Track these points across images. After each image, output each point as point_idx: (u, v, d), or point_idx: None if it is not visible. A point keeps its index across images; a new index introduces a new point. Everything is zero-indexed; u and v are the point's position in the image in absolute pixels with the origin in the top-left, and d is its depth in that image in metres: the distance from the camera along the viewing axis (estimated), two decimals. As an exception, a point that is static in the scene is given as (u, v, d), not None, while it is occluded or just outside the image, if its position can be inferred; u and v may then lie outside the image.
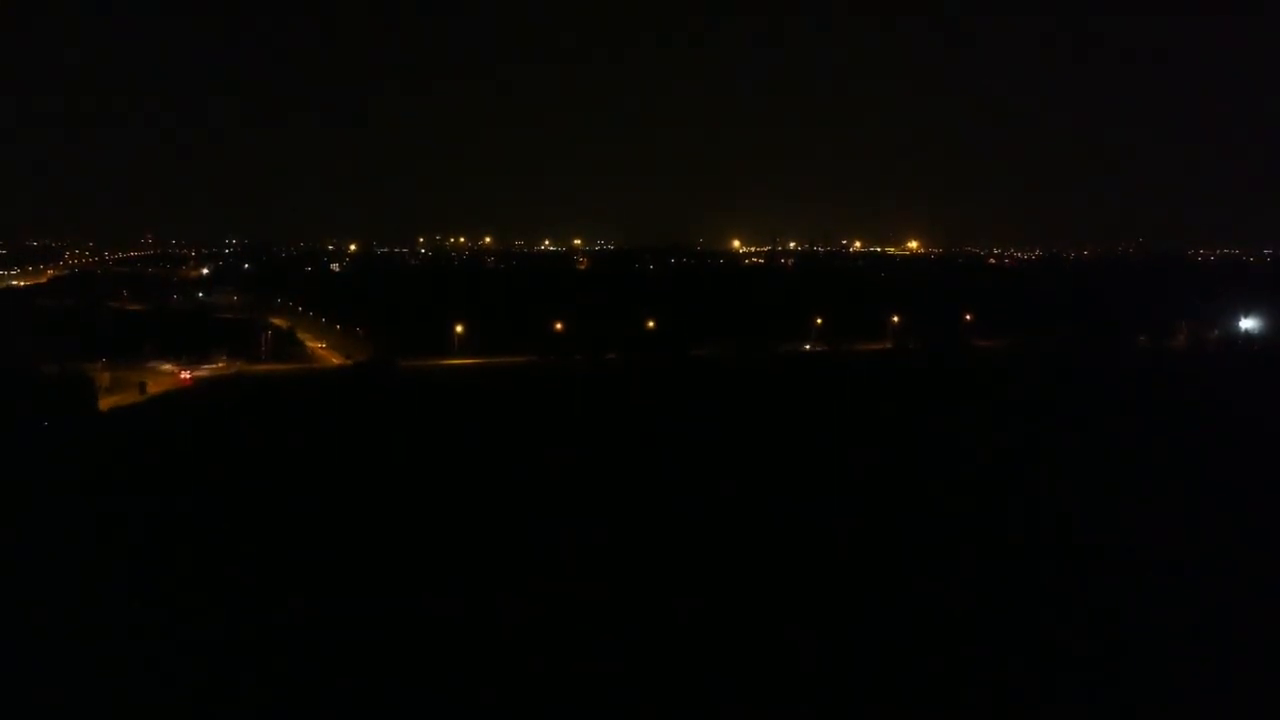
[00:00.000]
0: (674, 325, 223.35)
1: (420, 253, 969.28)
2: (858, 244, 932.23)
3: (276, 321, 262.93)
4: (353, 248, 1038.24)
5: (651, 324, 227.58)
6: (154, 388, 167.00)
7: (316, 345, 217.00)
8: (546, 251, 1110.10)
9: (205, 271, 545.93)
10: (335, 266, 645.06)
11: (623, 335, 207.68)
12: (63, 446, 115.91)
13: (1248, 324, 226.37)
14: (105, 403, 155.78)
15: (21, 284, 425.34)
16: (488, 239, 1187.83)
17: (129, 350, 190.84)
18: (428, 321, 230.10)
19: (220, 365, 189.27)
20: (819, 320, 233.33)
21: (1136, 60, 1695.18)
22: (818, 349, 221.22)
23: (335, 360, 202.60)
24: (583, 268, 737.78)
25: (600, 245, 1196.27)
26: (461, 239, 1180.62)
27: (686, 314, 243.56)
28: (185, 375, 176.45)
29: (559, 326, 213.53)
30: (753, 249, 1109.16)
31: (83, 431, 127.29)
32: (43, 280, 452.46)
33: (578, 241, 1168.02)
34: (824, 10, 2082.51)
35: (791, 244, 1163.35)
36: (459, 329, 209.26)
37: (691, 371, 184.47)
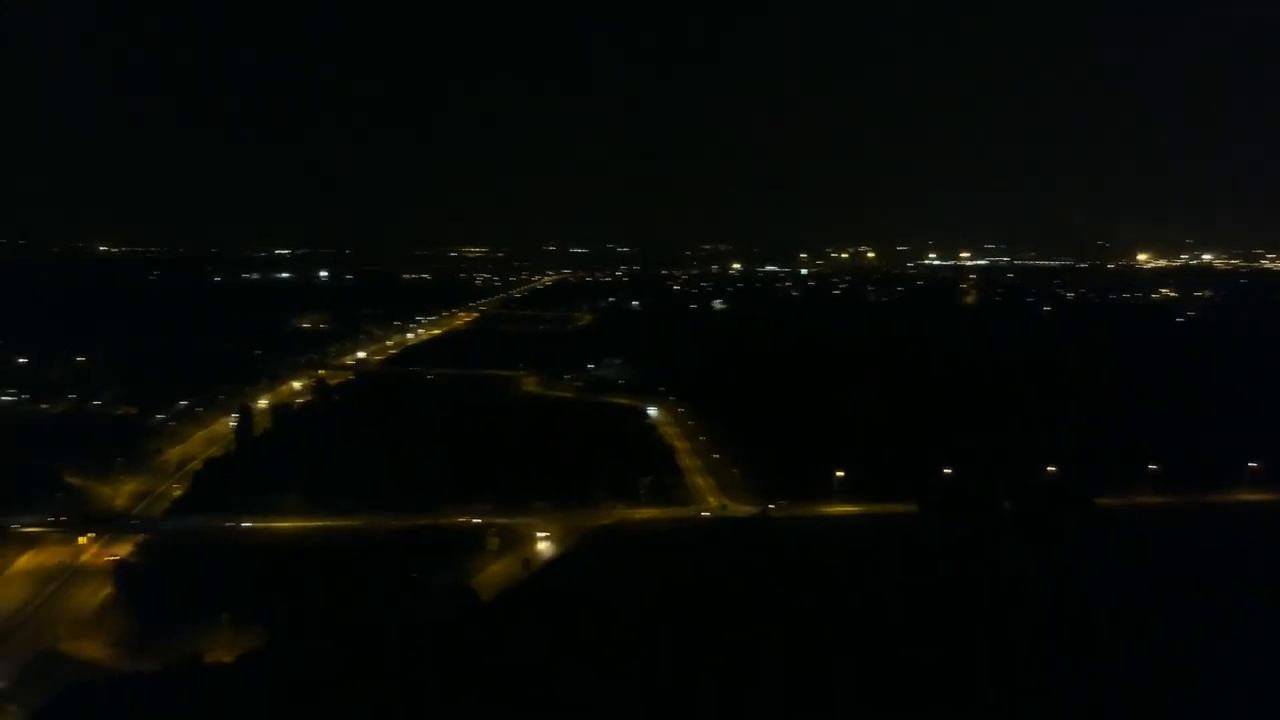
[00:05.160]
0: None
1: (801, 274, 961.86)
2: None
3: (659, 421, 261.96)
4: (736, 266, 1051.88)
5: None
6: (534, 549, 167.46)
7: (696, 479, 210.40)
8: (932, 266, 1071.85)
9: (588, 319, 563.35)
10: (719, 304, 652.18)
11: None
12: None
13: None
14: (487, 575, 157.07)
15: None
16: (870, 254, 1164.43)
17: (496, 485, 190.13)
18: (813, 435, 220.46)
19: (600, 511, 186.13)
20: None
21: None
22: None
23: (713, 501, 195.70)
24: (970, 300, 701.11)
25: (991, 257, 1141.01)
26: (844, 254, 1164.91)
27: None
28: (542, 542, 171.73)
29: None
30: (1162, 262, 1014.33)
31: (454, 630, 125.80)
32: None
33: (965, 254, 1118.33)
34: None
35: (1206, 256, 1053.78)
36: (839, 473, 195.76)
37: None
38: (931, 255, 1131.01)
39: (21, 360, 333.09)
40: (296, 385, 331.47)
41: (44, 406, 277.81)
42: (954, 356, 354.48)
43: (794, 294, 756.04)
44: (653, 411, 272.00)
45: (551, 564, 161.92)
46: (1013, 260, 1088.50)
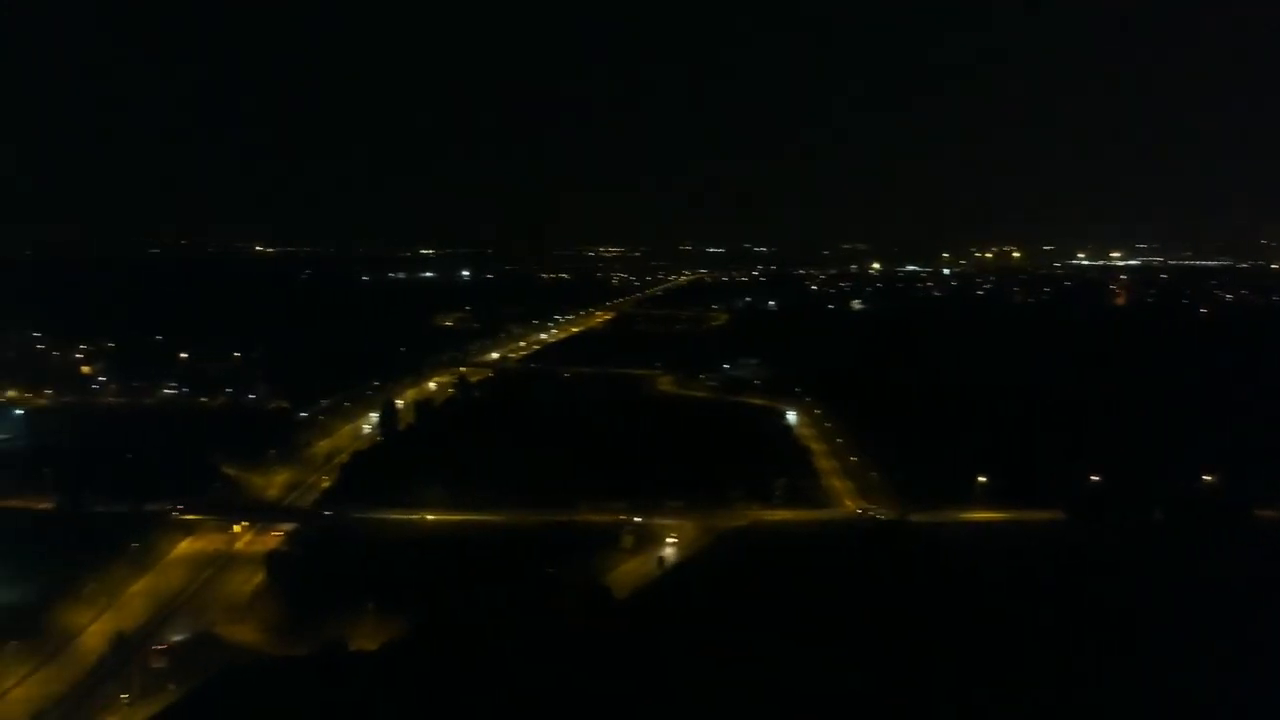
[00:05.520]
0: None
1: (943, 274, 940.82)
2: None
3: (795, 423, 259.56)
4: (875, 266, 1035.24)
5: None
6: (668, 548, 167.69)
7: (834, 482, 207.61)
8: (1080, 266, 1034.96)
9: (724, 319, 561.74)
10: (857, 304, 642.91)
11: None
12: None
13: None
14: (621, 573, 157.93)
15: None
16: (1015, 253, 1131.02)
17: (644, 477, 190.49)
18: (954, 439, 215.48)
19: (735, 512, 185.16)
20: None
21: None
22: None
23: (851, 505, 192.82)
24: (1120, 302, 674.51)
25: (1143, 257, 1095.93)
26: (988, 253, 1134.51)
27: None
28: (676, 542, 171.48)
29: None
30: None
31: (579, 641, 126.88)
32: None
33: (1115, 254, 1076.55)
34: None
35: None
36: (981, 478, 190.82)
37: None
38: (1080, 255, 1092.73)
39: (182, 355, 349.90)
40: (439, 382, 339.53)
41: (202, 400, 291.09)
42: (1103, 359, 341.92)
43: (936, 294, 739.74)
44: (789, 413, 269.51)
45: (685, 563, 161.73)
46: (1166, 260, 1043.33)
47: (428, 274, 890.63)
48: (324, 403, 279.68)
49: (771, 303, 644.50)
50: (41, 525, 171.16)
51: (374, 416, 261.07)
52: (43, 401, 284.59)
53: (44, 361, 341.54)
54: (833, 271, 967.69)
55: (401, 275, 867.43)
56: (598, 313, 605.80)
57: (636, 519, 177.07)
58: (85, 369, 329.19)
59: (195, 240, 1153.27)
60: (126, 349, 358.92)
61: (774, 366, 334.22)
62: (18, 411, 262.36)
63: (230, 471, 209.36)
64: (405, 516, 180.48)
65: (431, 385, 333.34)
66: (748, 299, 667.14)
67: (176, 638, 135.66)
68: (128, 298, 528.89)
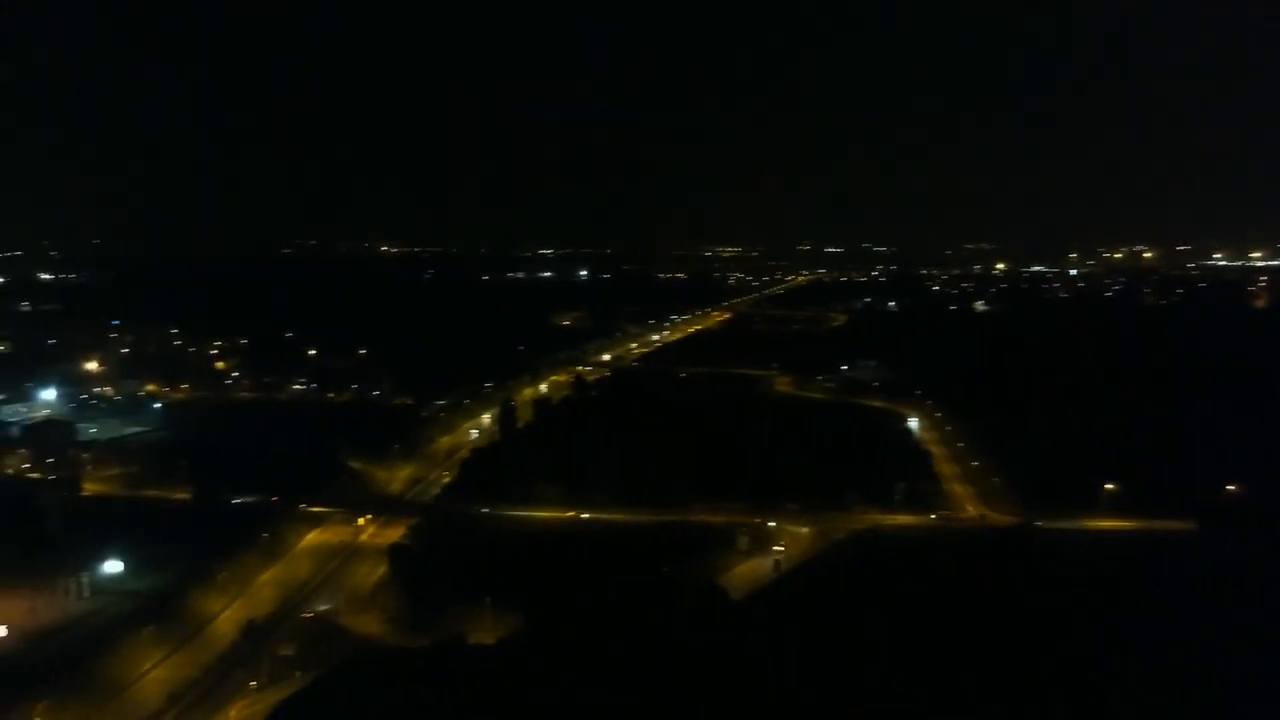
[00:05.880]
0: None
1: (1070, 274, 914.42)
2: None
3: (915, 426, 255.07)
4: (1000, 266, 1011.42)
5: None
6: (785, 550, 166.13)
7: (954, 486, 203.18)
8: (1217, 267, 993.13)
9: (842, 320, 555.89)
10: (980, 305, 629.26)
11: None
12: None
13: None
14: (737, 574, 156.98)
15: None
16: (1147, 253, 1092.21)
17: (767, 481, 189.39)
18: (1080, 444, 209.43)
19: (852, 515, 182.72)
20: None
21: None
22: None
23: (971, 510, 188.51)
24: (1261, 304, 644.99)
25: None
26: (1118, 254, 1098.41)
27: None
28: (792, 544, 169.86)
29: None
30: None
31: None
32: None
33: (1255, 254, 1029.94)
34: None
35: None
36: (1109, 485, 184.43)
37: None
38: (1217, 255, 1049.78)
39: (311, 353, 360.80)
40: (556, 381, 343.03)
41: (329, 396, 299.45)
42: (1239, 363, 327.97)
43: (1062, 296, 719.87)
44: (909, 415, 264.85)
45: (802, 566, 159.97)
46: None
47: (546, 274, 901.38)
48: (445, 400, 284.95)
49: (891, 303, 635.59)
50: (178, 514, 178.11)
51: (493, 414, 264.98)
52: (180, 396, 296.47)
53: (181, 357, 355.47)
54: (955, 272, 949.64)
55: (520, 275, 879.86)
56: (714, 313, 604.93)
57: (752, 520, 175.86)
58: (220, 365, 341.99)
59: (325, 242, 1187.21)
60: (259, 346, 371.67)
61: (893, 368, 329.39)
62: (156, 405, 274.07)
63: (355, 466, 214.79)
64: (523, 513, 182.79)
65: (549, 384, 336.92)
66: (867, 299, 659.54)
67: (303, 626, 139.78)
68: (260, 297, 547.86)
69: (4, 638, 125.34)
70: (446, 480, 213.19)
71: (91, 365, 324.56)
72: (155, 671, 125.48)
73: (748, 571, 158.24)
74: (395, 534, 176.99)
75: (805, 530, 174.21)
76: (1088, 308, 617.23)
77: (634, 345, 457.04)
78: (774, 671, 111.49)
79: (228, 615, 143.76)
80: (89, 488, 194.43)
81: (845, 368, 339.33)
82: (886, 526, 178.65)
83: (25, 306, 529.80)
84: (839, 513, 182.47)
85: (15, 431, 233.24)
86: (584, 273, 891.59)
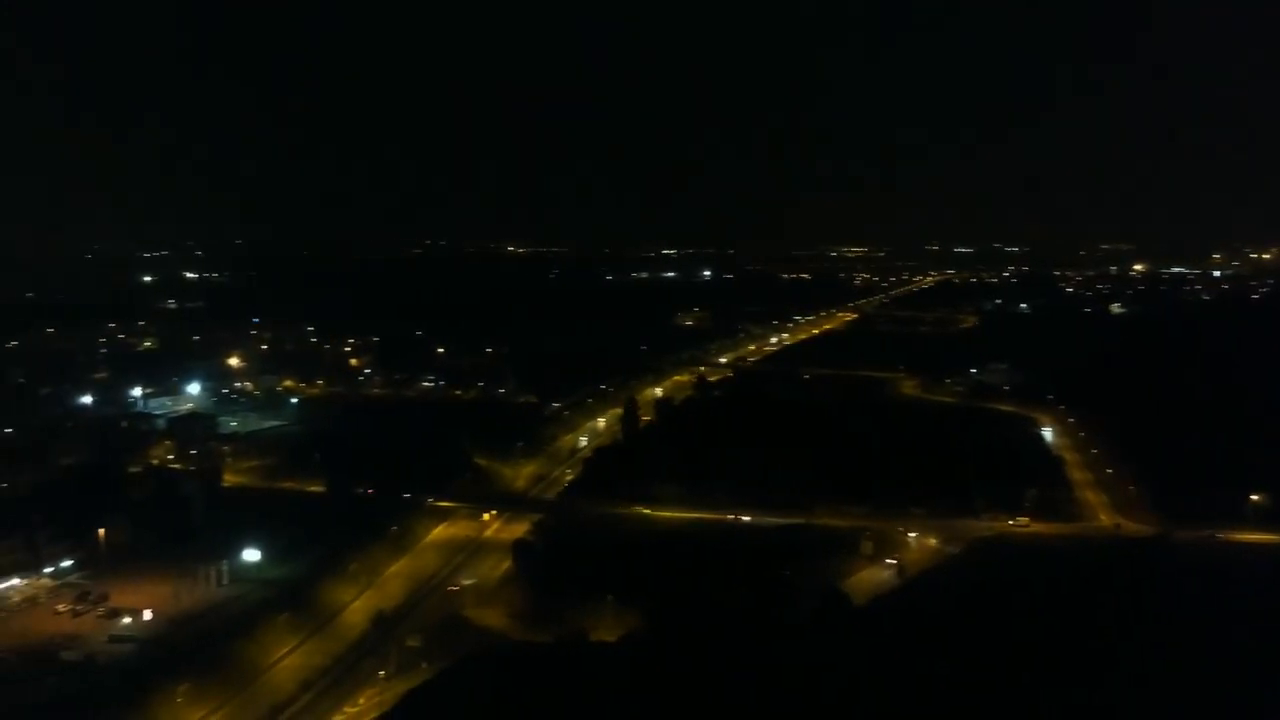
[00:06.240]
0: None
1: (1213, 275, 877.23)
2: None
3: (1046, 431, 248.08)
4: (1138, 267, 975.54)
5: None
6: (910, 555, 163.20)
7: (1087, 494, 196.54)
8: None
9: (971, 321, 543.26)
10: (1117, 307, 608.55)
11: None
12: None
13: None
14: (859, 579, 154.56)
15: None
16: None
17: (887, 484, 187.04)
18: (1223, 453, 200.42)
19: (981, 522, 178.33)
20: None
21: None
22: None
23: (1105, 519, 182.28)
24: None
25: None
26: (1266, 254, 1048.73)
27: None
28: (918, 550, 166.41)
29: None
30: None
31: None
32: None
33: None
34: None
35: None
36: (1255, 497, 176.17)
37: None
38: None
39: (439, 350, 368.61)
40: (678, 380, 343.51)
41: (457, 393, 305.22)
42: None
43: (1204, 298, 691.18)
44: (1040, 420, 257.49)
45: (928, 573, 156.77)
46: None
47: (669, 274, 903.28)
48: (568, 398, 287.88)
49: (1023, 305, 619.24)
50: (312, 506, 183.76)
51: (615, 413, 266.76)
52: (315, 391, 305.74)
53: (317, 354, 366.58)
54: (1090, 273, 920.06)
55: (644, 275, 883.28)
56: (839, 313, 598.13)
57: (876, 524, 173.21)
58: (353, 362, 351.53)
59: (454, 242, 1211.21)
60: (390, 344, 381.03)
61: (1025, 372, 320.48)
62: (292, 400, 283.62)
63: (481, 462, 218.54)
64: (645, 512, 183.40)
65: (671, 383, 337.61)
66: (998, 301, 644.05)
67: (445, 601, 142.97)
68: (392, 296, 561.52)
69: (149, 621, 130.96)
70: (570, 478, 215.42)
71: (233, 361, 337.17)
72: (289, 658, 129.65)
73: (871, 577, 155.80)
74: (519, 530, 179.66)
75: (931, 536, 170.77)
76: (1232, 310, 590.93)
77: (757, 345, 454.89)
78: (895, 681, 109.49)
79: (358, 605, 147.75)
80: (228, 479, 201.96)
81: (974, 371, 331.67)
82: (1015, 534, 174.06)
83: (171, 304, 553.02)
84: (966, 519, 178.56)
85: (161, 424, 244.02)
86: (707, 273, 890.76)
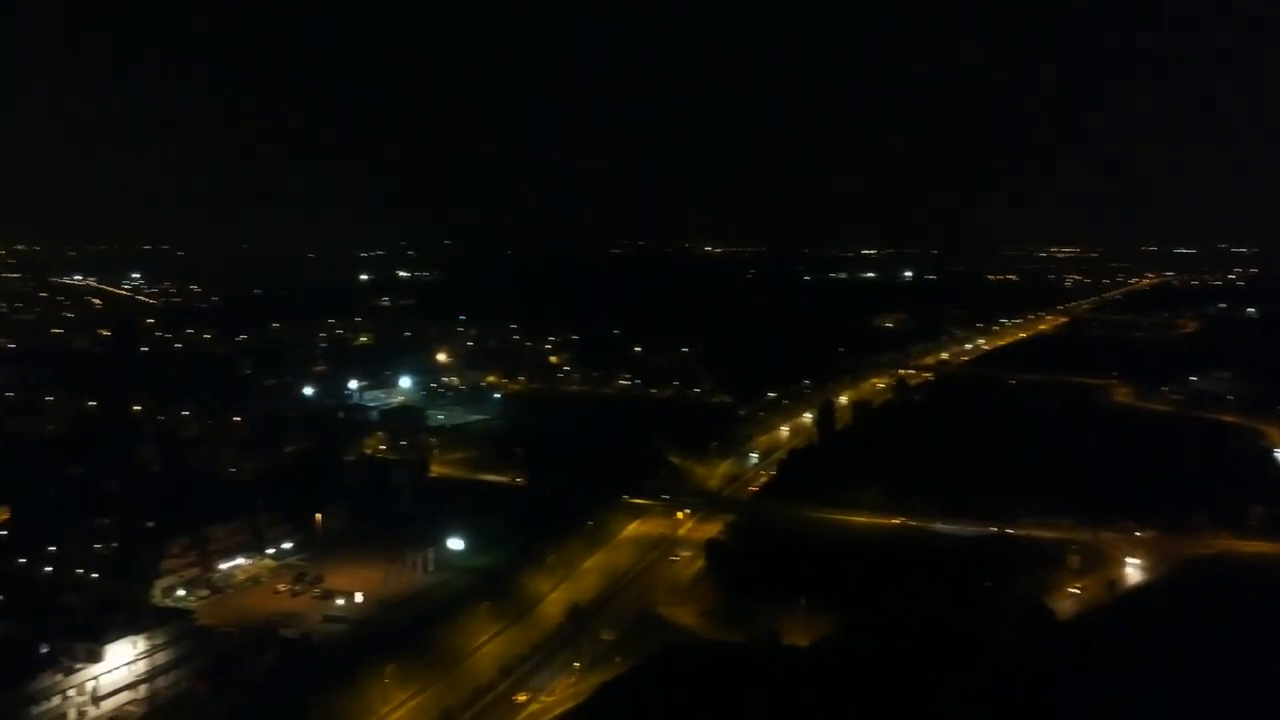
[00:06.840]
0: None
1: None
2: None
3: (1275, 444, 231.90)
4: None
5: None
6: (1121, 571, 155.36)
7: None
8: None
9: (1192, 326, 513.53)
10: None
11: None
12: None
13: None
14: (1065, 594, 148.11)
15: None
16: None
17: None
18: None
19: (1200, 539, 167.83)
20: None
21: None
22: None
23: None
24: None
25: None
26: None
27: None
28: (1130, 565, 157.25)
29: None
30: None
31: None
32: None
33: None
34: None
35: None
36: None
37: None
38: None
39: (637, 349, 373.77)
40: (877, 383, 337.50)
41: (652, 391, 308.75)
42: None
43: None
44: (1268, 433, 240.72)
45: (1141, 590, 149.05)
46: None
47: (869, 274, 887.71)
48: (763, 399, 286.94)
49: (1251, 309, 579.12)
50: (512, 498, 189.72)
51: (811, 415, 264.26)
52: (516, 387, 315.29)
53: (519, 352, 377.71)
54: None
55: (843, 275, 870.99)
56: (1048, 316, 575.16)
57: (1084, 538, 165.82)
58: (553, 359, 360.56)
59: (653, 242, 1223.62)
60: (589, 342, 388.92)
61: (1252, 381, 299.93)
62: (496, 395, 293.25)
63: (675, 460, 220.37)
64: (840, 516, 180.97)
65: (869, 386, 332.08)
66: (1222, 305, 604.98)
67: (623, 614, 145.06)
68: (592, 295, 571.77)
69: (360, 603, 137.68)
70: (764, 479, 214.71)
71: (440, 357, 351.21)
72: (489, 645, 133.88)
73: (1077, 592, 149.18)
74: (712, 529, 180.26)
75: (1145, 551, 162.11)
76: None
77: (959, 348, 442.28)
78: (1102, 704, 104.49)
79: (555, 597, 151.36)
80: (435, 469, 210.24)
81: (1194, 379, 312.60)
82: (1238, 553, 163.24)
83: (385, 302, 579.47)
84: (1184, 535, 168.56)
85: (375, 415, 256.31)
86: (908, 273, 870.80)
